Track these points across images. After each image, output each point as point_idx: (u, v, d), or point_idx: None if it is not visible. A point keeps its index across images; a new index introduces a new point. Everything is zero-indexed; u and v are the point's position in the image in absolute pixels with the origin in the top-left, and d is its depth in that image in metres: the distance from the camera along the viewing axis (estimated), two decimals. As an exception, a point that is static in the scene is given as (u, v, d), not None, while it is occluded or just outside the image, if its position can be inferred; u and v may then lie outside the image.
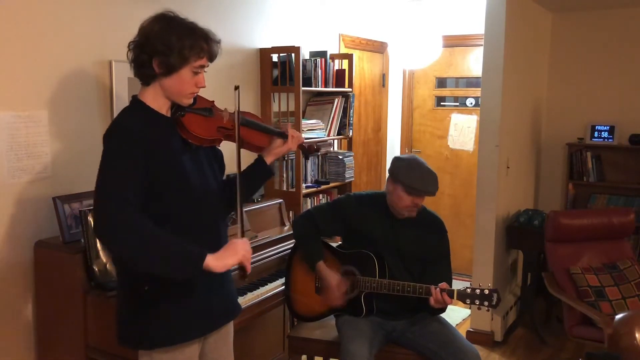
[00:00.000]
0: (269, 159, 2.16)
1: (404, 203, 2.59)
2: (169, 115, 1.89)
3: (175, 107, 1.89)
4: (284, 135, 2.16)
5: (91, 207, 2.50)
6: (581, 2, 4.57)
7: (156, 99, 1.85)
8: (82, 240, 2.46)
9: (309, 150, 2.35)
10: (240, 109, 1.96)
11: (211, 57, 1.87)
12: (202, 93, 1.96)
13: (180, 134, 1.88)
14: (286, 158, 3.80)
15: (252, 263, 2.89)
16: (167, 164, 1.81)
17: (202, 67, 1.85)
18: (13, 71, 2.44)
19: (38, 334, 2.62)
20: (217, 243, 1.89)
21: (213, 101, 2.03)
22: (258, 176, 2.17)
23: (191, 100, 1.90)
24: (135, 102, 1.87)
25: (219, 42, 1.89)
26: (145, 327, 1.86)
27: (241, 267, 1.84)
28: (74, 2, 2.64)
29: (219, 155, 2.09)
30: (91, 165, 2.74)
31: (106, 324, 2.35)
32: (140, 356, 1.91)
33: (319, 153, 4.26)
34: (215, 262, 1.74)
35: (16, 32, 2.44)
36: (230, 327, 2.15)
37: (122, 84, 2.83)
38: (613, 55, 4.76)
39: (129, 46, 1.83)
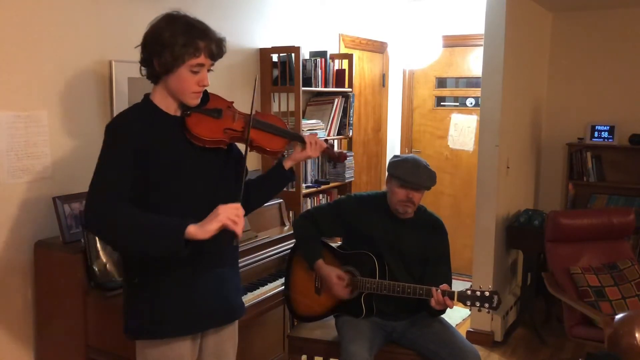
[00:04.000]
0: (287, 164, 2.13)
1: (398, 197, 2.61)
2: (177, 114, 1.88)
3: (184, 106, 1.88)
4: (302, 141, 2.11)
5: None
6: (581, 2, 4.57)
7: (163, 99, 1.86)
8: (82, 240, 2.46)
9: (338, 158, 2.26)
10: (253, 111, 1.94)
11: (211, 56, 1.83)
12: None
13: (185, 134, 1.86)
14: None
15: (252, 263, 2.97)
16: (165, 164, 1.80)
17: (201, 65, 1.81)
18: (13, 71, 2.44)
19: (38, 334, 2.62)
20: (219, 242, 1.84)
21: (232, 102, 2.00)
22: (276, 180, 2.16)
23: (197, 101, 1.88)
24: (145, 100, 1.89)
25: (221, 39, 1.86)
26: (136, 317, 1.89)
27: (231, 231, 1.73)
28: (74, 2, 2.64)
29: (236, 156, 2.03)
30: (91, 165, 2.73)
31: (106, 324, 2.35)
32: (137, 348, 1.93)
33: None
34: (197, 229, 1.69)
35: (16, 32, 2.44)
36: (232, 330, 2.10)
37: (122, 84, 2.83)
38: (613, 55, 4.76)
39: (138, 46, 1.86)
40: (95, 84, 2.76)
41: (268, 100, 3.82)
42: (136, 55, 2.86)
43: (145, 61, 1.84)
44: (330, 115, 4.20)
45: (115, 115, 1.87)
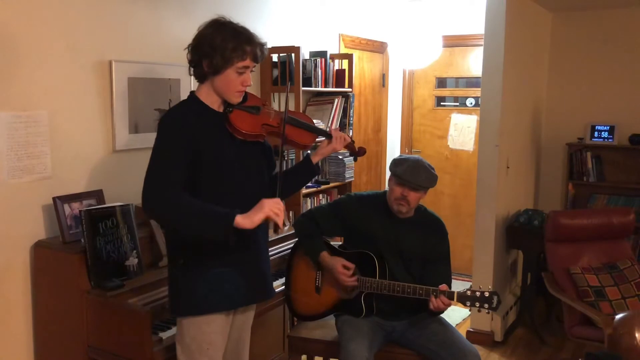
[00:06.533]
0: (315, 158, 2.35)
1: (394, 194, 2.63)
2: (220, 110, 2.11)
3: (226, 103, 2.11)
4: (328, 135, 2.35)
5: (91, 207, 2.53)
6: (581, 2, 4.57)
7: (208, 96, 2.09)
8: (82, 240, 2.46)
9: (358, 152, 2.46)
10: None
11: (255, 59, 2.06)
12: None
13: (227, 128, 2.08)
14: (286, 158, 3.80)
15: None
16: (213, 154, 2.02)
17: (247, 67, 2.04)
18: (13, 71, 2.44)
19: (38, 334, 2.62)
20: (254, 230, 2.00)
21: (265, 100, 2.20)
22: (303, 174, 2.39)
23: (239, 99, 2.10)
24: (191, 97, 2.11)
25: (264, 44, 2.08)
26: (180, 295, 2.09)
27: (274, 223, 1.97)
28: (74, 2, 2.64)
29: (267, 150, 2.25)
30: (91, 165, 2.76)
31: (106, 324, 2.35)
32: (177, 326, 2.14)
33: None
34: (244, 219, 1.92)
35: (16, 32, 2.44)
36: (252, 313, 2.35)
37: (122, 84, 2.83)
38: (613, 56, 4.76)
39: (187, 48, 2.06)
40: (95, 84, 2.76)
41: (268, 100, 3.82)
42: (135, 55, 2.89)
43: (194, 62, 2.05)
44: (330, 115, 4.20)
45: (168, 111, 2.09)
